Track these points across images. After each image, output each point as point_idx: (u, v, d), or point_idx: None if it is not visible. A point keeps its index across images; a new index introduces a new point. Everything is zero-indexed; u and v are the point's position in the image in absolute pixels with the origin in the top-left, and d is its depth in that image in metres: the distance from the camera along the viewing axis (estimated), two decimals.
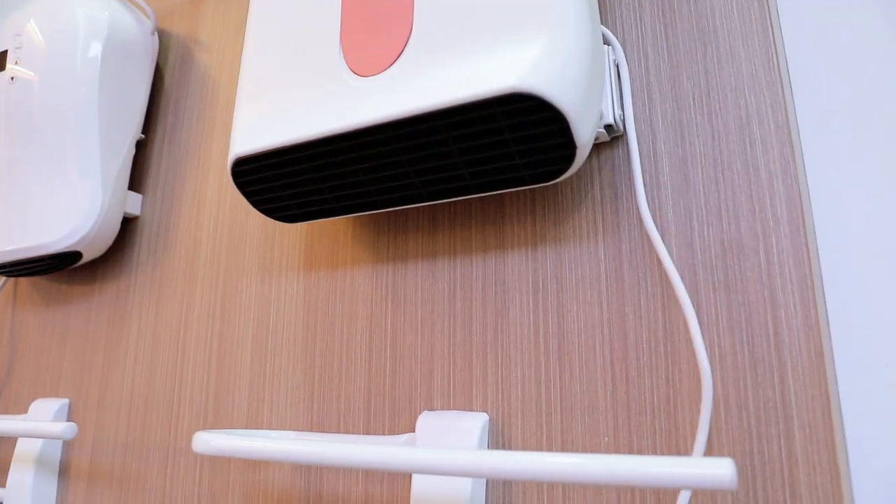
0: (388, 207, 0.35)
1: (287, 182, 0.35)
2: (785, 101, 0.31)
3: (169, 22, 0.60)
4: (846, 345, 0.31)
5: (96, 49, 0.52)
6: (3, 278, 0.62)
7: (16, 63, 0.53)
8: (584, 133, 0.28)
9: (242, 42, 0.52)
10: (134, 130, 0.54)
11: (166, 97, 0.57)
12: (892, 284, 0.31)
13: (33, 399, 0.56)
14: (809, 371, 0.28)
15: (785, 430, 0.28)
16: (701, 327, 0.30)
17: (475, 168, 0.31)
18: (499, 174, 0.31)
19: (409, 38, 0.32)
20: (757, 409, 0.29)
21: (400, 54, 0.32)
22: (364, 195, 0.35)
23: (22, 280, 0.62)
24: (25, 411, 0.56)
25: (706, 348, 0.29)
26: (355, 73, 0.33)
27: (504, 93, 0.27)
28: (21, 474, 0.50)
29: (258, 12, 0.40)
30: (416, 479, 0.33)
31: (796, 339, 0.28)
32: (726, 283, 0.31)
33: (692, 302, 0.31)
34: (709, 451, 0.29)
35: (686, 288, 0.30)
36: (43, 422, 0.41)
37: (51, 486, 0.50)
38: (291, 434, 0.38)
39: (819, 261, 0.31)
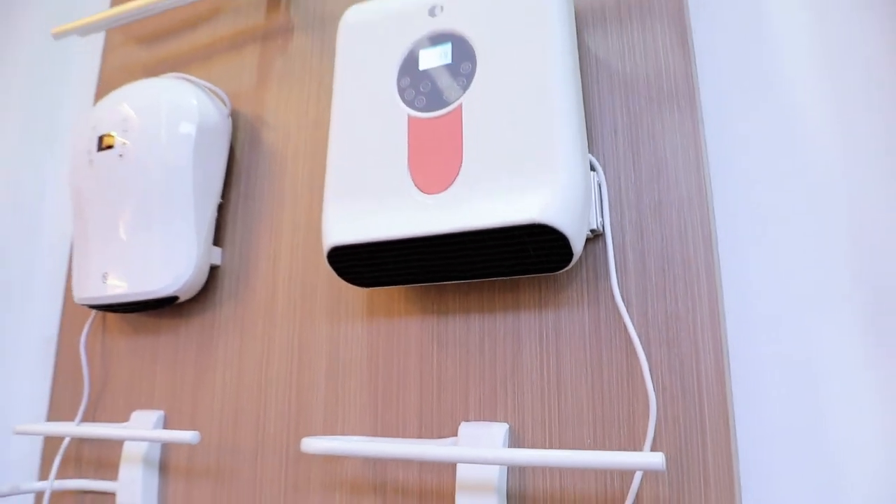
0: (437, 282, 0.50)
1: (368, 264, 0.50)
2: (709, 218, 0.48)
3: (237, 104, 0.74)
4: (742, 380, 0.48)
5: (190, 130, 0.66)
6: (94, 312, 0.75)
7: (123, 144, 0.66)
8: (579, 246, 0.44)
9: (302, 121, 0.67)
10: (216, 195, 0.68)
11: (238, 168, 0.71)
12: (769, 348, 0.48)
13: (129, 411, 0.69)
14: (718, 400, 0.44)
15: (701, 438, 0.44)
16: (651, 369, 0.46)
17: (504, 263, 0.46)
18: (520, 268, 0.46)
19: (460, 169, 0.47)
20: (686, 424, 0.44)
21: (454, 180, 0.47)
22: (422, 273, 0.50)
23: (109, 314, 0.75)
24: (121, 421, 0.69)
25: (653, 383, 0.45)
26: (421, 191, 0.48)
27: (527, 222, 0.42)
28: (130, 471, 0.63)
29: (338, 122, 0.54)
30: (459, 468, 0.48)
31: (710, 378, 0.44)
32: (668, 340, 0.46)
33: (645, 353, 0.46)
34: (653, 449, 0.45)
35: (641, 343, 0.46)
36: (173, 431, 0.55)
37: (154, 480, 0.64)
38: (364, 438, 0.52)
39: (726, 329, 0.47)
